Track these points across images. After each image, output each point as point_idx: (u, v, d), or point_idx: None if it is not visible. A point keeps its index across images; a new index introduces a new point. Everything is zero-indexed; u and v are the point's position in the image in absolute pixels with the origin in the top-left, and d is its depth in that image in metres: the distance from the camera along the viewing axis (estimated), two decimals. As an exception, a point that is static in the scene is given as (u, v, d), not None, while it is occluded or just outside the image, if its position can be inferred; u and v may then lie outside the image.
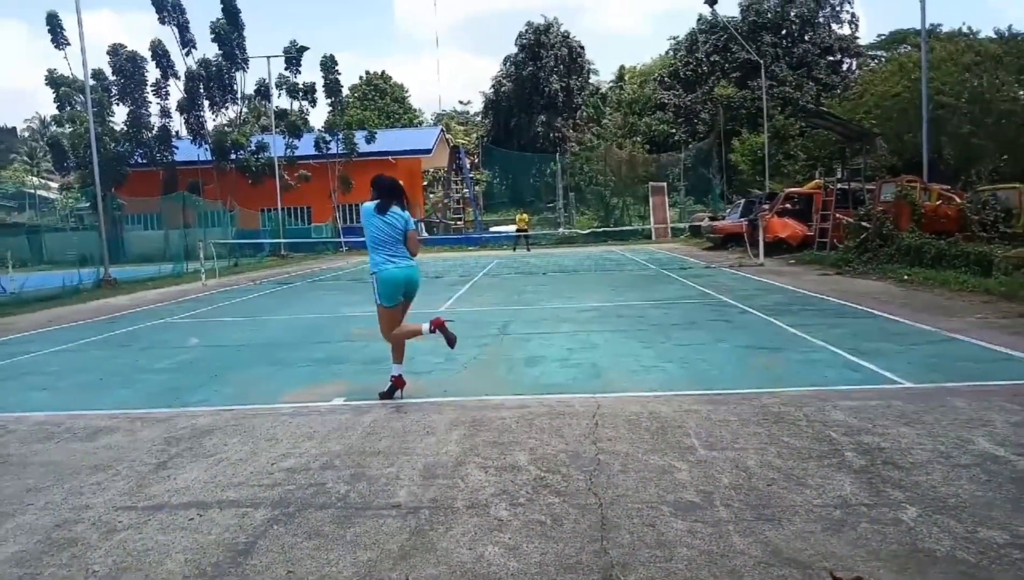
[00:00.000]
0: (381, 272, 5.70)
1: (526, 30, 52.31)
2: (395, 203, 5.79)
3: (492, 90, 55.13)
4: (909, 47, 36.99)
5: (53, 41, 32.32)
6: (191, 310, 13.42)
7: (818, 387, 5.70)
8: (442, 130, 48.26)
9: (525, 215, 34.27)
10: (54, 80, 34.01)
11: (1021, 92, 26.95)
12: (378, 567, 3.05)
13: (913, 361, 6.48)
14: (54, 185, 45.36)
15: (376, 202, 5.76)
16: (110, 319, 12.42)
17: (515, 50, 52.99)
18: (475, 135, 56.42)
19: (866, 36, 68.69)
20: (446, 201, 43.65)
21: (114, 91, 35.30)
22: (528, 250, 31.19)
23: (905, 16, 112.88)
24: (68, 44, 32.46)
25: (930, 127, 20.08)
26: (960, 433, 4.42)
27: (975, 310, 9.22)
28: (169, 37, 36.05)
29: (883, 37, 47.45)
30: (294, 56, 36.77)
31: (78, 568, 3.16)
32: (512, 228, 34.41)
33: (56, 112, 35.79)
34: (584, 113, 52.65)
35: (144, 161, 36.32)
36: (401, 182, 6.17)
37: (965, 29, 32.36)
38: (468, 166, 44.43)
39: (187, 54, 35.67)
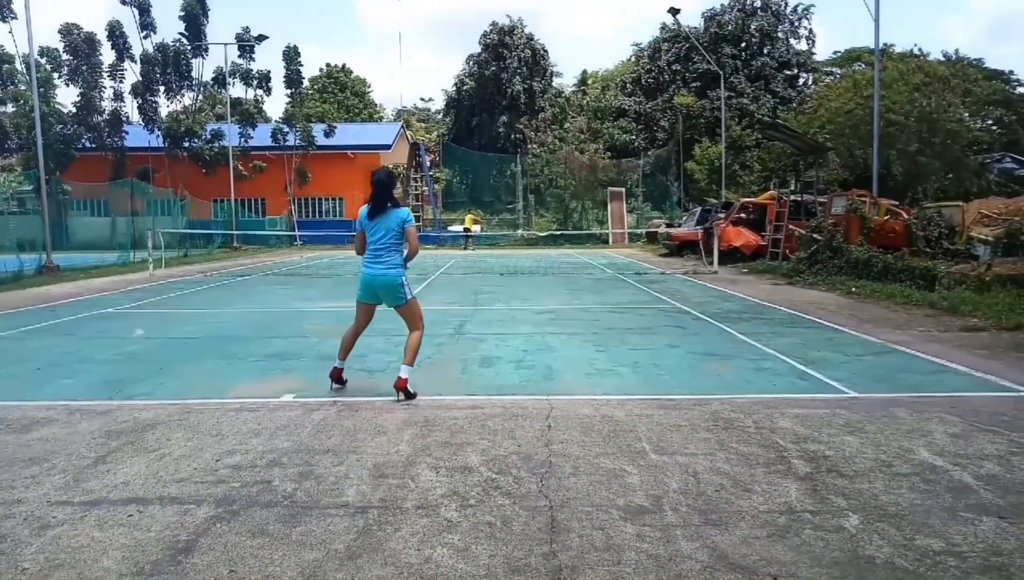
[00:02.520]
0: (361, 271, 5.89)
1: (490, 30, 52.18)
2: (390, 201, 5.70)
3: (454, 88, 54.86)
4: (863, 65, 38.03)
5: (-2, 13, 31.11)
6: (137, 300, 13.05)
7: (767, 394, 5.81)
8: (403, 126, 47.92)
9: (470, 216, 35.85)
10: (-1, 57, 32.83)
11: (966, 114, 27.93)
12: (324, 567, 2.99)
13: (858, 371, 6.64)
14: (-6, 166, 43.66)
15: (371, 206, 5.68)
16: (51, 307, 12.01)
17: (479, 49, 52.88)
18: (436, 133, 56.10)
19: (822, 52, 70.54)
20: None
21: (65, 71, 34.15)
22: (464, 249, 32.76)
23: (860, 35, 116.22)
24: (15, 17, 31.24)
25: (880, 143, 20.67)
26: (901, 443, 4.55)
27: (918, 323, 9.51)
28: (128, 19, 35.03)
29: (839, 54, 48.76)
30: (247, 43, 36.09)
31: (7, 565, 3.02)
32: (460, 228, 35.65)
33: (-3, 90, 34.50)
34: (546, 116, 52.81)
35: (93, 145, 35.22)
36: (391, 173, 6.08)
37: (916, 50, 33.43)
38: (428, 164, 44.17)
39: (145, 37, 34.76)
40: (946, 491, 3.77)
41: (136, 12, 34.27)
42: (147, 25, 34.56)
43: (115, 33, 34.19)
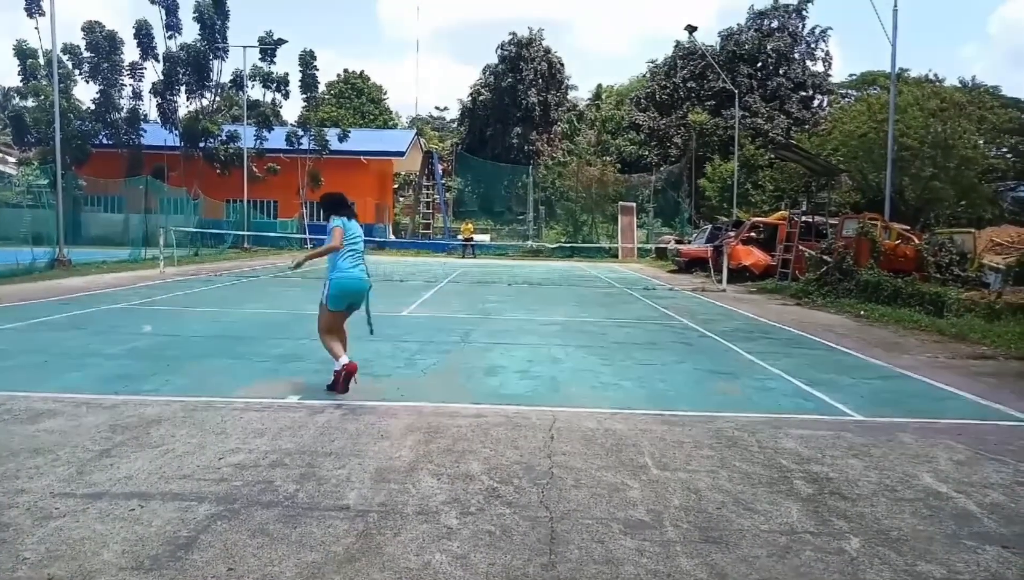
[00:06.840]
0: (344, 277, 5.99)
1: (508, 41, 52.46)
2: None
3: (470, 98, 55.13)
4: (878, 88, 38.03)
5: (26, 9, 31.46)
6: (147, 297, 13.13)
7: (772, 414, 5.78)
8: (417, 134, 48.11)
9: (470, 225, 37.08)
10: (22, 51, 33.18)
11: (981, 141, 27.84)
12: (322, 569, 2.99)
13: (864, 394, 6.61)
14: (11, 159, 44.13)
15: (347, 216, 6.08)
16: (62, 301, 12.09)
17: (495, 60, 53.14)
18: (450, 142, 56.32)
19: (838, 75, 70.10)
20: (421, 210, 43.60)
21: (86, 68, 34.51)
22: (462, 257, 33.68)
23: (876, 58, 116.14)
24: (42, 13, 31.58)
25: (894, 168, 20.63)
26: (906, 468, 4.52)
27: (926, 349, 9.46)
28: (155, 18, 35.24)
29: (854, 77, 48.76)
30: (270, 47, 36.38)
31: (8, 554, 3.04)
32: (460, 236, 36.89)
33: (20, 84, 34.82)
34: (559, 128, 52.95)
35: (110, 142, 35.51)
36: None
37: (932, 76, 33.40)
38: (441, 172, 44.31)
39: (170, 37, 35.10)
40: (950, 518, 3.74)
41: (163, 12, 34.62)
42: (172, 25, 34.89)
43: (142, 32, 34.55)
